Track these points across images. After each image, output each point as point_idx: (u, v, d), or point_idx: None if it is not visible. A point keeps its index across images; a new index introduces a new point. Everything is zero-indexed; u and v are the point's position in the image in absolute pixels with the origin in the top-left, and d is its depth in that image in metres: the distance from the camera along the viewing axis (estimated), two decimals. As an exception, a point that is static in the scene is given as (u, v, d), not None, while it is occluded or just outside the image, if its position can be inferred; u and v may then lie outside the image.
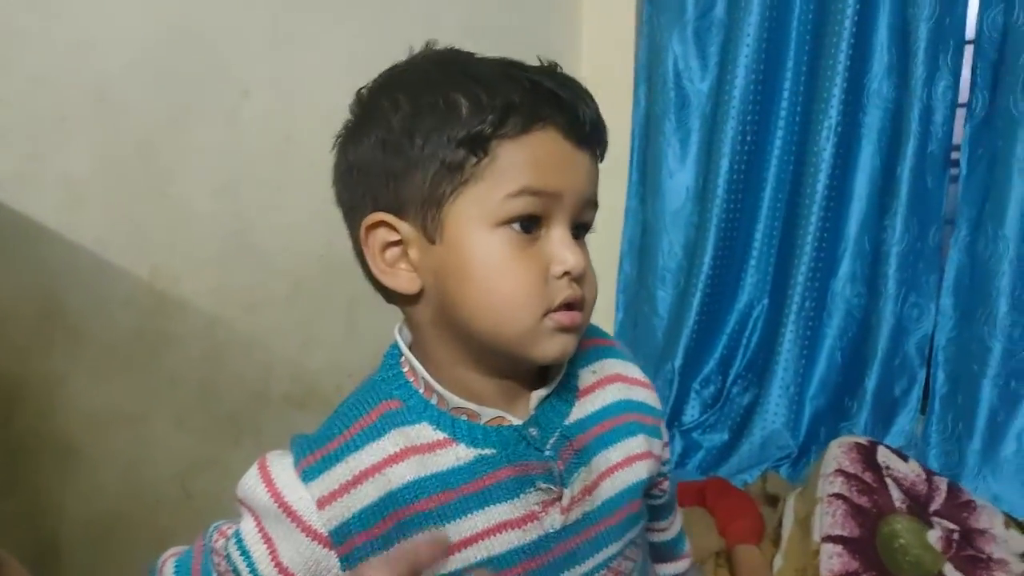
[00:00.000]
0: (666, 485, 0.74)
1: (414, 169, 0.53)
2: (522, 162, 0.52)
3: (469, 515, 0.53)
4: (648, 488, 0.66)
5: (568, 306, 0.55)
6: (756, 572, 1.43)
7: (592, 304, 0.58)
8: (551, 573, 0.56)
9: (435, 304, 0.56)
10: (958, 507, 1.34)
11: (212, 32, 1.28)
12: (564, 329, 0.55)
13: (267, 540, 0.53)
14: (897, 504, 1.32)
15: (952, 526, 1.33)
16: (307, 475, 0.53)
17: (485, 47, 0.57)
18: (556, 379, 0.60)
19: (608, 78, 2.13)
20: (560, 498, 0.57)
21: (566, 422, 0.59)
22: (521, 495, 0.55)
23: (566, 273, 0.54)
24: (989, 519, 1.32)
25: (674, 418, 2.11)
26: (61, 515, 1.23)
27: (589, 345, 0.65)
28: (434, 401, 0.56)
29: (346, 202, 0.58)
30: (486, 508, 0.54)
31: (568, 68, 0.58)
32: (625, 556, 0.60)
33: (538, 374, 0.60)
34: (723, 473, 2.01)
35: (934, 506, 1.34)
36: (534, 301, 0.53)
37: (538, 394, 0.58)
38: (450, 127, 0.51)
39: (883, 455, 1.37)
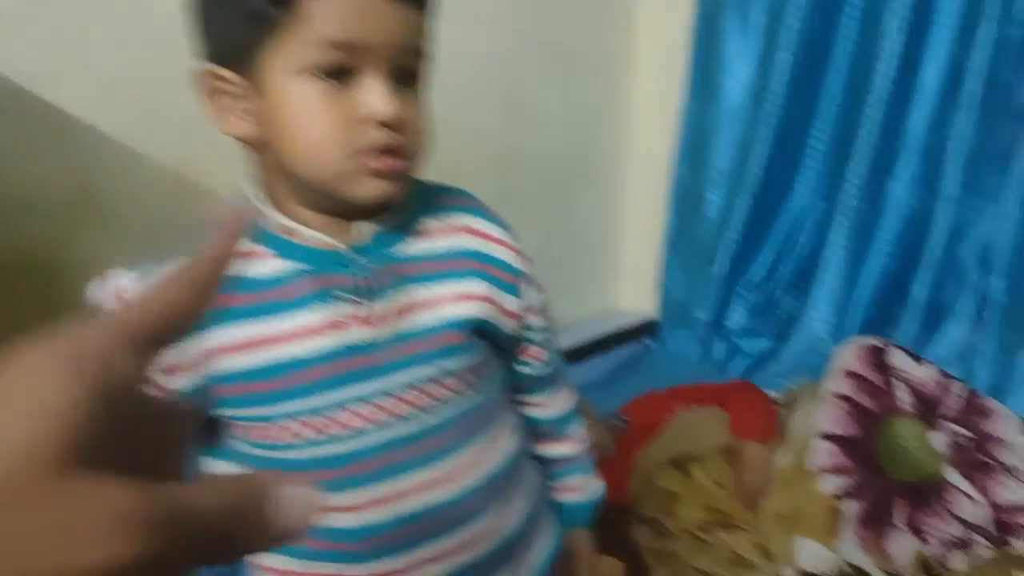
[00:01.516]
0: (537, 352, 0.74)
1: (225, 19, 0.55)
2: (325, 13, 0.52)
3: (274, 316, 0.58)
4: (485, 332, 0.66)
5: (385, 152, 0.56)
6: (757, 468, 1.43)
7: (418, 152, 0.59)
8: (354, 380, 0.59)
9: (267, 149, 0.59)
10: (972, 412, 1.27)
11: None
12: (378, 173, 0.56)
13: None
14: (904, 407, 1.27)
15: (963, 431, 1.27)
16: (139, 273, 0.61)
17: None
18: (390, 217, 0.62)
19: (665, -30, 2.04)
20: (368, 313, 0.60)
21: (393, 252, 0.62)
22: (325, 304, 0.58)
23: (380, 122, 0.55)
24: (1004, 426, 1.25)
25: (718, 323, 2.08)
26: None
27: (447, 201, 0.68)
28: (263, 224, 0.61)
29: (194, 41, 0.59)
30: (291, 313, 0.58)
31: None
32: (442, 383, 0.63)
33: (377, 215, 0.62)
34: (763, 379, 1.97)
35: (946, 411, 1.28)
36: (336, 144, 0.55)
37: (363, 225, 0.61)
38: None
39: (896, 357, 1.31)
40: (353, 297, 0.60)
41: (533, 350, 0.75)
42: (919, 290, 1.72)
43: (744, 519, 1.42)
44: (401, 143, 0.57)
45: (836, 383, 1.31)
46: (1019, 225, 1.58)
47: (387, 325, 0.61)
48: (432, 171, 0.71)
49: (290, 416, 0.59)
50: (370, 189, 0.57)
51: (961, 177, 1.63)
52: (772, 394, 1.83)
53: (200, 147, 1.41)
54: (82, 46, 1.24)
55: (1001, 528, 1.24)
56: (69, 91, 1.24)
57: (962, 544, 1.24)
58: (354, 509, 0.60)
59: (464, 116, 1.75)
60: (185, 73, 0.59)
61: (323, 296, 0.59)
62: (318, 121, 0.55)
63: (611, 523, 1.38)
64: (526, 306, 0.71)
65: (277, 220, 0.61)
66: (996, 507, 1.24)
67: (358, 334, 0.60)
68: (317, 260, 0.60)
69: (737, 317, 2.07)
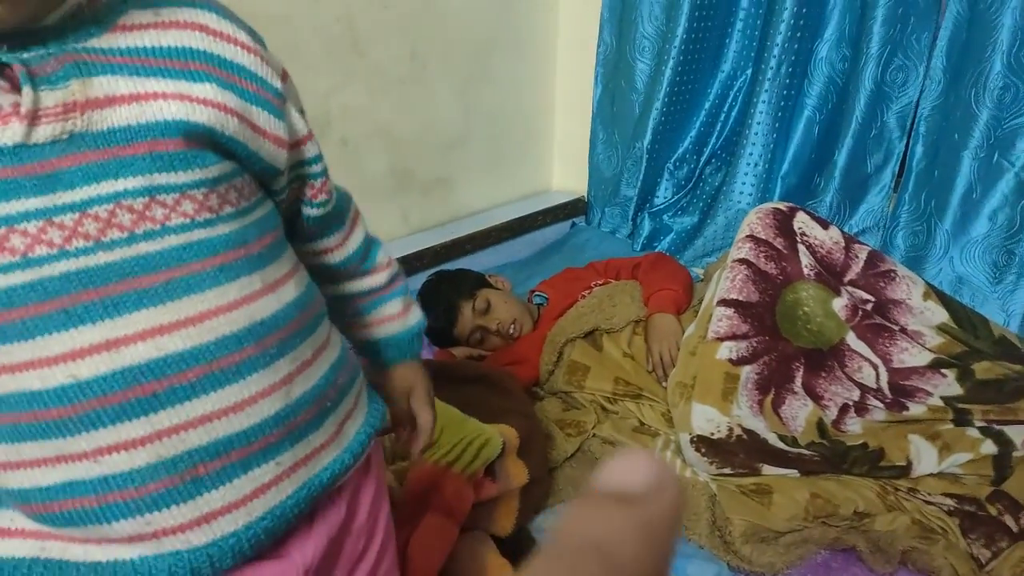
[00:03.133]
0: (322, 187, 0.65)
1: None
2: None
3: None
4: (230, 152, 0.55)
5: None
6: (663, 337, 1.40)
7: None
8: (17, 191, 0.47)
9: None
10: (876, 276, 1.24)
11: None
12: None
13: None
14: (806, 271, 1.24)
15: (866, 296, 1.24)
16: None
17: None
18: (69, 8, 0.49)
19: None
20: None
21: (74, 44, 0.49)
22: None
23: None
24: (908, 289, 1.23)
25: (644, 200, 2.02)
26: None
27: None
28: None
29: None
30: None
31: None
32: (161, 203, 0.50)
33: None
34: (688, 256, 1.94)
35: (849, 275, 1.25)
36: None
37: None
38: None
39: (800, 221, 1.27)
40: (0, 83, 0.47)
41: (318, 185, 0.65)
42: (839, 157, 1.67)
43: (652, 390, 1.41)
44: None
45: (738, 248, 1.27)
46: (943, 87, 1.52)
47: (61, 121, 0.48)
48: (325, 27, 0.59)
49: None
50: None
51: (884, 35, 1.55)
52: (696, 271, 1.80)
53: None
54: None
55: (899, 392, 1.23)
56: None
57: (859, 408, 1.24)
58: (55, 361, 0.48)
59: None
60: None
61: None
62: None
63: (514, 393, 1.36)
64: (298, 133, 0.61)
65: None
66: (895, 371, 1.24)
67: (12, 133, 0.47)
68: None
69: (664, 193, 2.00)
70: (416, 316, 0.78)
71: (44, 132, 0.47)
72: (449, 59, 1.86)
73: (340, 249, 0.71)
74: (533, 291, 1.76)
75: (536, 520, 1.19)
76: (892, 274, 1.24)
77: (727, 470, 1.20)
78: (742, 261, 1.25)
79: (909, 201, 1.60)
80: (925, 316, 1.22)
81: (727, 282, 1.25)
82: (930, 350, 1.22)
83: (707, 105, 1.91)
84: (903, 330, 1.23)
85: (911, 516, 1.10)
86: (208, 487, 0.52)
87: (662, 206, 2.00)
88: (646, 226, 2.00)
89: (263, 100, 0.56)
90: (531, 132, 2.20)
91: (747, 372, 1.21)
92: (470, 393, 1.27)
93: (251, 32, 0.57)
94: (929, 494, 1.14)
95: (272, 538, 0.57)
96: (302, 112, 0.62)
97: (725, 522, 1.11)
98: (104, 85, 0.49)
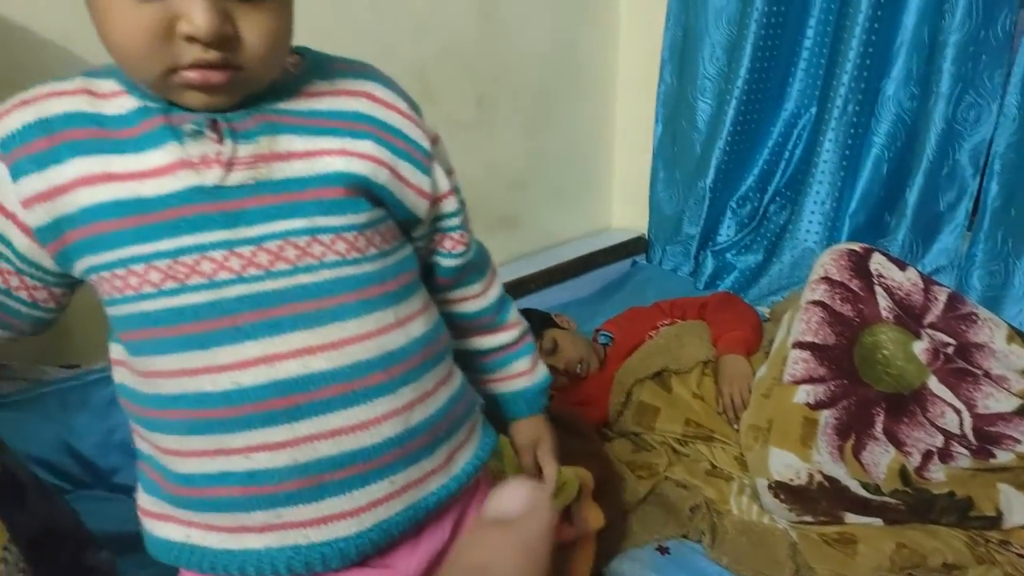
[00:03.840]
0: (459, 238, 0.71)
1: None
2: None
3: (124, 154, 0.55)
4: (381, 200, 0.62)
5: (204, 66, 0.52)
6: (734, 379, 1.39)
7: (256, 65, 0.54)
8: (211, 225, 0.56)
9: None
10: (957, 319, 1.22)
11: None
12: (192, 86, 0.53)
13: None
14: (884, 313, 1.22)
15: (947, 339, 1.22)
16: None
17: None
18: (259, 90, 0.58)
19: None
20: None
21: (268, 105, 0.59)
22: (179, 144, 0.55)
23: (192, 37, 0.50)
24: (990, 333, 1.20)
25: (707, 238, 2.02)
26: None
27: (347, 68, 0.64)
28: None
29: None
30: (142, 152, 0.55)
31: None
32: (320, 241, 0.58)
33: None
34: (753, 294, 1.93)
35: (929, 318, 1.23)
36: (149, 58, 0.51)
37: None
38: None
39: (877, 262, 1.25)
40: (210, 135, 0.56)
41: (456, 237, 0.71)
42: (910, 195, 1.64)
43: (723, 432, 1.40)
44: (224, 59, 0.52)
45: (812, 290, 1.26)
46: (1018, 124, 1.49)
47: (250, 170, 0.57)
48: (399, 77, 0.67)
49: (142, 259, 0.55)
50: (193, 100, 0.55)
51: (955, 73, 1.53)
52: (761, 309, 1.79)
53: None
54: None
55: (985, 439, 1.20)
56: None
57: (943, 455, 1.21)
58: (223, 369, 0.57)
59: (435, 19, 1.66)
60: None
61: (177, 135, 0.56)
62: (125, 29, 0.51)
63: (588, 435, 1.36)
64: (440, 190, 0.68)
65: None
66: (980, 417, 1.21)
67: (213, 175, 0.56)
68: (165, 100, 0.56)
69: (727, 231, 2.00)
70: (543, 372, 0.84)
71: (236, 177, 0.56)
72: (514, 103, 1.90)
73: (480, 298, 0.77)
74: (598, 330, 1.76)
75: (611, 564, 1.18)
76: (973, 317, 1.22)
77: (808, 518, 1.17)
78: (817, 303, 1.24)
79: (985, 240, 1.57)
80: (1010, 360, 1.19)
81: (801, 324, 1.24)
82: (1016, 395, 1.19)
83: (770, 143, 1.91)
84: (987, 375, 1.20)
85: (1003, 569, 1.07)
86: (330, 493, 0.60)
87: (725, 244, 1.99)
88: (709, 264, 1.99)
89: (412, 157, 0.64)
90: (592, 171, 2.22)
91: (826, 416, 1.19)
92: (544, 435, 1.27)
93: (410, 101, 0.66)
94: (1023, 547, 1.10)
95: (377, 549, 0.63)
96: (450, 173, 0.69)
97: (809, 572, 1.09)
98: (285, 142, 0.58)
